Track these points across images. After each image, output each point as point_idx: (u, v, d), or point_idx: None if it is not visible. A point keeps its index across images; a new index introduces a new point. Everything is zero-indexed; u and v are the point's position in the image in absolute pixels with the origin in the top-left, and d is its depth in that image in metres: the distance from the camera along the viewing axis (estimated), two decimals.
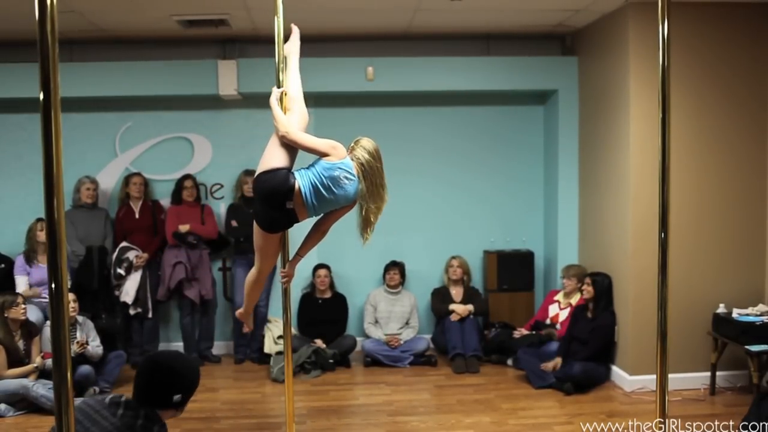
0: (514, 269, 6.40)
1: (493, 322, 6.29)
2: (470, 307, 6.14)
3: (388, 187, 3.16)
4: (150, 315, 6.01)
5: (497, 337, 6.07)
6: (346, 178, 2.99)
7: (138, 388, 2.31)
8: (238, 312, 3.70)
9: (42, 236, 5.65)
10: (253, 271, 3.34)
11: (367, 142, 3.11)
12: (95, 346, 5.30)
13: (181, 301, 6.16)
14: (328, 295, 6.27)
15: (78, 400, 2.27)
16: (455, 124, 6.58)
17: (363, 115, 6.44)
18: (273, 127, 3.11)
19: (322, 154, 3.04)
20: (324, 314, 6.18)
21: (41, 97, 1.32)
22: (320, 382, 5.64)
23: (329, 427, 4.67)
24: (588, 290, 5.50)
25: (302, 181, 2.99)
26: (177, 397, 2.26)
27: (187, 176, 6.17)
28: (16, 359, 5.01)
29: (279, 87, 3.27)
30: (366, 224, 3.11)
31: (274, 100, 3.19)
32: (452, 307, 6.14)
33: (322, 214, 3.16)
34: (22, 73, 5.63)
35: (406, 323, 6.24)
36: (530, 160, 6.64)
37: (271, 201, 3.00)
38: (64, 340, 1.37)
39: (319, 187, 2.97)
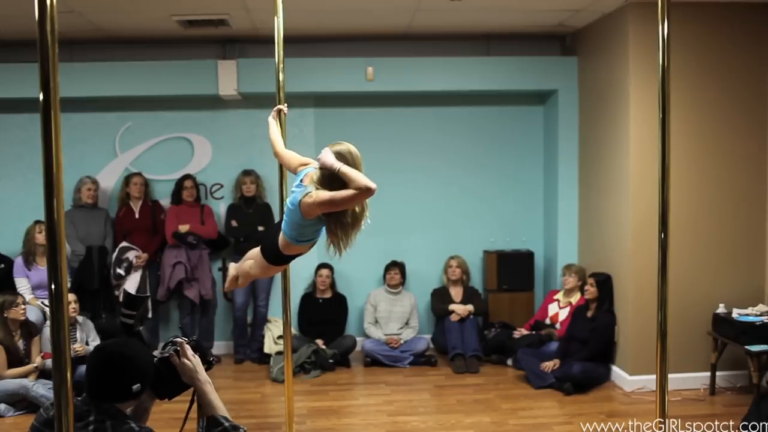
0: (514, 269, 6.40)
1: (492, 322, 6.29)
2: (470, 307, 6.14)
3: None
4: (150, 315, 6.01)
5: (497, 337, 6.06)
6: (296, 186, 2.79)
7: (93, 383, 2.07)
8: (233, 265, 3.44)
9: (40, 238, 5.64)
10: (246, 267, 3.24)
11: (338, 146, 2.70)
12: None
13: (181, 301, 6.16)
14: (328, 295, 6.27)
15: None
16: (455, 125, 6.57)
17: (363, 115, 6.44)
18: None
19: (294, 169, 2.94)
20: (324, 314, 6.17)
21: (41, 97, 1.32)
22: (320, 382, 5.64)
23: (329, 427, 4.67)
24: (591, 291, 5.50)
25: (284, 227, 2.87)
26: (136, 387, 2.08)
27: (187, 176, 6.17)
28: (16, 359, 5.01)
29: (279, 88, 3.27)
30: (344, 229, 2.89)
31: (270, 119, 3.21)
32: (452, 307, 6.14)
33: (320, 231, 2.98)
34: (22, 73, 5.62)
35: (406, 323, 6.24)
36: (530, 160, 6.63)
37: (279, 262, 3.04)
38: (64, 340, 1.37)
39: (289, 215, 2.81)
